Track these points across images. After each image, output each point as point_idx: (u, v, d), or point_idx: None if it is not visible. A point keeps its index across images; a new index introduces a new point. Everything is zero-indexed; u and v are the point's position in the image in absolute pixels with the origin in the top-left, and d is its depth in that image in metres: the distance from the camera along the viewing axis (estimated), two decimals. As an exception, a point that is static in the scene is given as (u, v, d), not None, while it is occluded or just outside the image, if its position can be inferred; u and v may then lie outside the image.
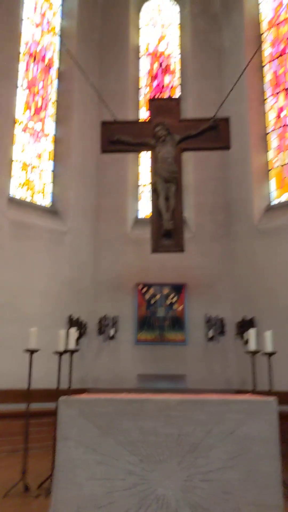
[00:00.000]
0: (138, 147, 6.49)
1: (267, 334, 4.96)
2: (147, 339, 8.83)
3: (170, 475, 3.02)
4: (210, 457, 3.04)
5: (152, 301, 8.95)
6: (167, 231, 6.10)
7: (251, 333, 4.83)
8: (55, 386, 7.60)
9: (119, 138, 6.25)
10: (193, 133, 6.27)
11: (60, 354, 5.06)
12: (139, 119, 9.61)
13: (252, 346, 4.82)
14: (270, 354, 4.92)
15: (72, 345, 4.83)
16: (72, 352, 4.86)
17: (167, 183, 6.17)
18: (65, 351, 4.94)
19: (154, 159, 6.32)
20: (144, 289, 9.00)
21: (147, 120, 6.78)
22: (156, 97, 9.63)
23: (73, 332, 4.91)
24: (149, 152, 6.58)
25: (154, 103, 6.60)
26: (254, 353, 4.86)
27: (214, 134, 6.26)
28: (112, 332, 8.81)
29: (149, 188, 9.61)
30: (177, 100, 6.62)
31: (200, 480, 3.00)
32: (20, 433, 7.40)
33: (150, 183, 6.40)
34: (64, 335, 5.10)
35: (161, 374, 8.66)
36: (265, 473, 2.98)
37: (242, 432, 3.05)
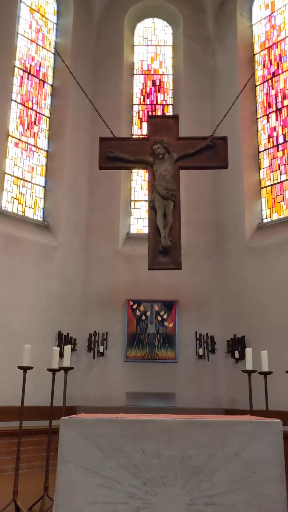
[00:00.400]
0: (136, 164, 6.51)
1: (263, 354, 4.95)
2: (136, 357, 8.74)
3: (173, 498, 2.95)
4: (214, 481, 2.98)
5: (143, 318, 8.89)
6: (164, 248, 6.09)
7: (248, 352, 4.81)
8: (42, 404, 7.50)
9: (117, 154, 6.26)
10: (191, 151, 6.32)
11: (54, 371, 4.97)
12: (137, 136, 9.67)
13: (249, 365, 4.79)
14: (266, 374, 4.90)
15: (67, 363, 4.75)
16: (67, 370, 4.76)
17: (165, 200, 6.18)
18: (60, 369, 4.84)
19: (152, 176, 6.34)
20: (135, 306, 8.94)
21: (145, 137, 6.81)
22: (154, 114, 9.69)
23: (68, 349, 4.83)
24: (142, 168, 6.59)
25: (153, 120, 6.65)
26: (250, 372, 4.83)
27: (211, 153, 6.31)
28: (101, 349, 8.71)
29: (141, 204, 9.66)
30: (176, 118, 6.67)
31: (204, 504, 2.94)
32: (5, 452, 7.25)
33: (148, 200, 6.40)
34: (57, 352, 5.01)
35: (151, 392, 8.57)
36: (270, 496, 2.93)
37: (246, 455, 3.01)
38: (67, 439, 3.03)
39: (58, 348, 5.13)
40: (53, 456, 5.63)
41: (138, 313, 8.92)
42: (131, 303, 8.93)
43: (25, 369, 4.82)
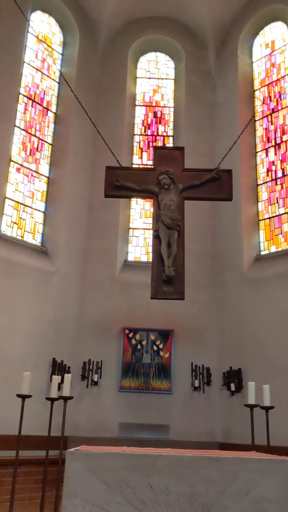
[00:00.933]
0: (141, 194, 6.56)
1: (265, 388, 4.90)
2: (131, 387, 8.61)
3: (182, 538, 2.86)
4: (224, 519, 2.90)
5: (138, 347, 8.80)
6: (168, 277, 6.09)
7: (250, 386, 4.76)
8: (34, 433, 7.32)
9: (123, 183, 6.32)
10: (196, 183, 6.40)
11: (53, 400, 4.87)
12: (141, 166, 9.78)
13: (251, 399, 4.73)
14: (268, 409, 4.83)
15: (67, 392, 4.65)
16: (66, 399, 4.67)
17: (170, 230, 6.23)
18: (59, 398, 4.75)
19: (157, 206, 6.39)
20: (130, 334, 8.86)
21: (151, 168, 6.90)
22: (161, 145, 9.88)
23: (68, 378, 4.74)
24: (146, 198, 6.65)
25: (159, 151, 6.74)
26: (253, 407, 4.77)
27: (216, 185, 6.40)
28: (95, 377, 8.57)
29: (139, 232, 9.70)
30: (181, 150, 6.77)
31: None
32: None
33: (152, 229, 6.43)
34: (57, 381, 4.92)
35: (144, 423, 8.42)
36: (281, 537, 2.85)
37: (256, 493, 2.93)
38: (74, 472, 2.94)
39: (59, 377, 5.04)
40: (46, 489, 5.47)
41: (133, 341, 8.83)
42: (127, 331, 8.86)
43: (23, 397, 4.72)
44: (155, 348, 8.79)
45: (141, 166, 9.70)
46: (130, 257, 9.58)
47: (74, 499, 2.90)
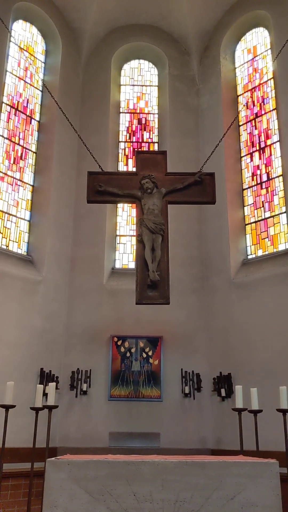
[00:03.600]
0: (124, 198, 6.52)
1: (253, 391, 4.84)
2: (120, 395, 8.51)
3: None
4: (210, 526, 2.82)
5: (127, 355, 8.71)
6: (152, 282, 6.03)
7: (238, 390, 4.70)
8: (19, 445, 7.19)
9: (106, 189, 6.28)
10: (179, 187, 6.38)
11: (37, 410, 4.77)
12: (125, 171, 9.76)
13: (239, 403, 4.67)
14: (256, 412, 4.77)
15: (51, 401, 4.56)
16: (51, 408, 4.57)
17: (154, 234, 6.18)
18: (43, 407, 4.65)
19: (141, 211, 6.35)
20: (119, 342, 8.77)
21: (133, 172, 6.87)
22: (142, 149, 9.83)
23: (53, 386, 4.65)
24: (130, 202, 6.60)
25: (141, 156, 6.71)
26: (240, 411, 4.71)
27: (199, 188, 6.38)
28: (84, 387, 8.46)
29: (126, 239, 9.65)
30: (164, 154, 6.75)
31: None
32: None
33: (136, 234, 6.39)
34: (41, 390, 4.82)
35: (135, 432, 8.31)
36: None
37: (243, 498, 2.87)
38: (55, 482, 2.85)
39: (42, 386, 4.94)
40: (34, 501, 5.35)
41: (122, 349, 8.74)
42: (115, 339, 8.77)
43: (7, 407, 4.61)
44: (144, 355, 8.71)
45: (129, 171, 9.66)
46: (118, 265, 9.52)
47: (55, 510, 2.81)
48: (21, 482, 7.28)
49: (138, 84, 10.83)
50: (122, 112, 10.58)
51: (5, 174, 8.84)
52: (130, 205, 9.63)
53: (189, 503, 2.85)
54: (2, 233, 8.57)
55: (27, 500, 6.89)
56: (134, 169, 9.61)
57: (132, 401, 8.47)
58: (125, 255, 9.59)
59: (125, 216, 9.90)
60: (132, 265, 9.43)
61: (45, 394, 5.97)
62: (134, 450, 7.68)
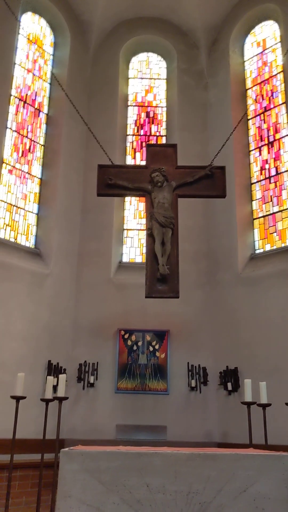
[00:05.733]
0: (134, 192, 6.51)
1: (262, 385, 4.86)
2: (127, 388, 8.55)
3: (179, 537, 2.81)
4: (222, 518, 2.85)
5: (134, 348, 8.74)
6: (162, 276, 6.04)
7: (247, 383, 4.72)
8: (28, 436, 7.24)
9: (116, 182, 6.27)
10: (190, 180, 6.37)
11: (47, 402, 4.80)
12: (135, 164, 9.74)
13: (248, 397, 4.69)
14: (265, 406, 4.79)
15: (61, 393, 4.60)
16: (61, 400, 4.61)
17: (164, 228, 6.19)
18: (54, 399, 4.69)
19: (150, 204, 6.34)
20: (126, 335, 8.81)
21: (143, 165, 6.86)
22: (153, 143, 9.83)
23: (63, 378, 4.69)
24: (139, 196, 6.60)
25: (151, 149, 6.71)
26: (249, 404, 4.73)
27: (209, 182, 6.37)
28: (91, 379, 8.50)
29: (134, 233, 9.65)
30: (174, 147, 6.74)
31: None
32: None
33: (146, 227, 6.39)
34: (51, 382, 4.86)
35: (141, 425, 8.36)
36: (280, 535, 2.81)
37: (254, 490, 2.89)
38: (68, 473, 2.88)
39: (52, 378, 4.98)
40: (43, 492, 5.40)
41: (129, 343, 8.77)
42: (122, 332, 8.80)
43: (18, 398, 4.65)
44: (151, 348, 8.74)
45: (139, 164, 9.63)
46: (125, 258, 9.53)
47: (69, 499, 2.84)
48: (29, 473, 7.35)
49: (146, 77, 10.79)
50: (130, 106, 10.56)
51: (13, 167, 8.84)
52: (138, 199, 9.62)
53: (202, 495, 2.87)
54: (10, 226, 8.59)
55: (34, 490, 6.97)
56: (143, 163, 9.68)
57: (138, 394, 8.51)
58: (132, 249, 9.60)
59: (133, 210, 9.90)
60: (139, 259, 9.45)
61: (53, 386, 6.03)
62: (141, 443, 7.71)
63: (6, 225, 8.53)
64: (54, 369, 8.21)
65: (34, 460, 6.93)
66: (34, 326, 8.20)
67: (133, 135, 10.34)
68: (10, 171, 8.78)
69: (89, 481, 2.88)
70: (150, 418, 8.38)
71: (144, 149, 9.69)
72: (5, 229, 8.48)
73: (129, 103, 10.55)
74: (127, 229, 9.73)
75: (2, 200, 8.51)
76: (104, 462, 2.91)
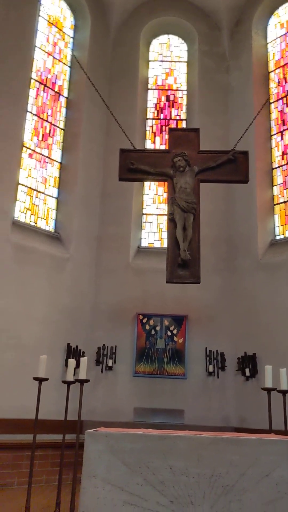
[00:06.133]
0: (156, 176, 6.48)
1: (282, 372, 4.87)
2: (145, 372, 8.63)
3: (202, 519, 2.85)
4: (244, 501, 2.88)
5: (152, 332, 8.79)
6: (183, 261, 6.03)
7: (268, 369, 4.72)
8: (48, 417, 7.36)
9: (138, 166, 6.24)
10: (212, 165, 6.31)
11: (69, 384, 4.88)
12: (157, 148, 9.67)
13: (268, 383, 4.70)
14: (285, 392, 4.80)
15: (83, 375, 4.66)
16: (83, 382, 4.68)
17: (185, 213, 6.16)
18: (75, 381, 4.76)
19: (172, 189, 6.32)
20: (144, 320, 8.85)
21: (166, 150, 6.82)
22: (176, 127, 9.72)
23: (84, 361, 4.75)
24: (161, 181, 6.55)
25: (174, 133, 6.65)
26: (270, 390, 4.74)
27: (232, 167, 6.31)
28: (110, 362, 8.59)
29: (153, 217, 9.64)
30: (197, 131, 6.68)
31: (233, 525, 2.84)
32: (10, 466, 7.09)
33: (167, 212, 6.37)
34: (73, 364, 4.93)
35: (159, 408, 8.44)
36: (302, 519, 2.83)
37: (277, 475, 2.91)
38: (93, 453, 2.94)
39: (74, 360, 5.04)
40: (64, 472, 5.50)
41: (147, 327, 8.82)
42: (141, 317, 8.85)
43: (40, 380, 4.73)
44: (169, 333, 8.78)
45: (161, 148, 9.57)
46: (144, 243, 9.54)
47: (94, 479, 2.90)
48: (48, 452, 7.49)
49: (167, 60, 10.65)
50: (150, 89, 10.45)
51: (34, 151, 8.86)
52: (157, 183, 9.57)
53: (224, 478, 2.90)
54: (30, 210, 8.64)
55: (54, 470, 7.13)
56: (163, 147, 9.62)
57: (156, 378, 8.59)
58: (151, 234, 9.60)
59: (152, 195, 9.87)
60: (158, 244, 9.45)
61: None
62: (159, 426, 7.80)
63: (27, 209, 8.58)
64: (73, 352, 8.31)
65: (53, 440, 7.07)
66: (54, 309, 8.29)
67: (153, 119, 10.25)
68: (30, 155, 8.80)
69: (113, 462, 2.93)
70: (168, 402, 8.46)
71: (164, 133, 9.66)
72: (26, 213, 8.53)
73: (149, 87, 10.44)
74: (146, 214, 9.71)
75: (22, 184, 8.54)
76: (128, 444, 2.96)
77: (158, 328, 8.82)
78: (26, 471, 6.44)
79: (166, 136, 9.50)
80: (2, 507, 5.52)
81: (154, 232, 9.59)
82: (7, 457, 7.06)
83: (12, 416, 7.33)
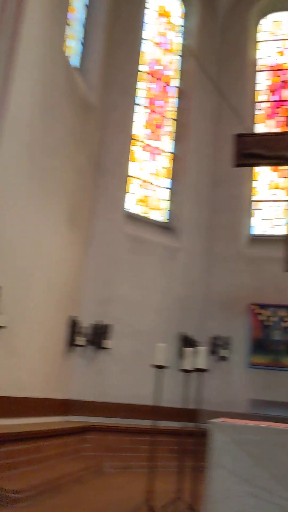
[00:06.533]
0: (272, 160, 6.19)
1: None
2: (260, 363, 8.41)
3: None
4: None
5: (267, 324, 8.53)
6: (303, 251, 5.75)
7: None
8: (164, 404, 7.47)
9: (253, 151, 6.03)
10: None
11: (188, 372, 4.91)
12: (273, 131, 9.31)
13: None
14: None
15: (202, 365, 4.66)
16: (202, 371, 4.67)
17: (306, 199, 5.86)
18: (195, 370, 4.78)
19: (291, 174, 6.02)
20: (259, 310, 8.61)
21: (283, 132, 6.52)
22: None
23: (203, 351, 4.74)
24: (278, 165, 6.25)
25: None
26: None
27: None
28: (224, 353, 8.50)
29: (264, 204, 9.31)
30: None
31: None
32: (128, 449, 7.35)
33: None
34: (191, 354, 4.94)
35: (275, 401, 8.18)
36: None
37: None
38: (219, 443, 2.92)
39: (191, 349, 5.05)
40: (179, 459, 5.57)
41: (262, 318, 8.57)
42: (255, 307, 8.62)
43: (160, 367, 4.82)
44: (285, 325, 8.45)
45: (278, 131, 9.19)
46: (257, 231, 9.26)
47: (222, 470, 2.89)
48: (163, 439, 7.62)
49: (279, 38, 10.14)
50: (260, 70, 10.04)
51: (146, 144, 8.98)
52: (272, 168, 9.18)
53: None
54: (143, 202, 8.81)
55: (169, 456, 7.25)
56: (277, 130, 9.20)
57: (272, 370, 8.33)
58: (264, 222, 9.27)
59: (263, 181, 9.50)
60: (271, 231, 9.11)
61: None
62: (277, 419, 7.58)
63: (140, 200, 8.76)
64: (186, 341, 8.35)
65: (168, 427, 7.19)
66: (167, 298, 8.40)
67: (265, 102, 9.84)
68: (142, 147, 8.94)
69: (238, 453, 2.90)
70: (284, 395, 8.17)
71: (277, 115, 9.23)
72: (138, 204, 8.72)
73: (260, 68, 10.04)
74: (258, 201, 9.40)
75: (135, 177, 8.71)
76: (254, 437, 2.90)
77: (273, 319, 8.53)
78: (143, 455, 6.63)
79: (281, 119, 9.09)
80: (124, 490, 5.74)
81: (267, 219, 9.26)
82: (125, 441, 7.33)
83: (127, 401, 7.59)
